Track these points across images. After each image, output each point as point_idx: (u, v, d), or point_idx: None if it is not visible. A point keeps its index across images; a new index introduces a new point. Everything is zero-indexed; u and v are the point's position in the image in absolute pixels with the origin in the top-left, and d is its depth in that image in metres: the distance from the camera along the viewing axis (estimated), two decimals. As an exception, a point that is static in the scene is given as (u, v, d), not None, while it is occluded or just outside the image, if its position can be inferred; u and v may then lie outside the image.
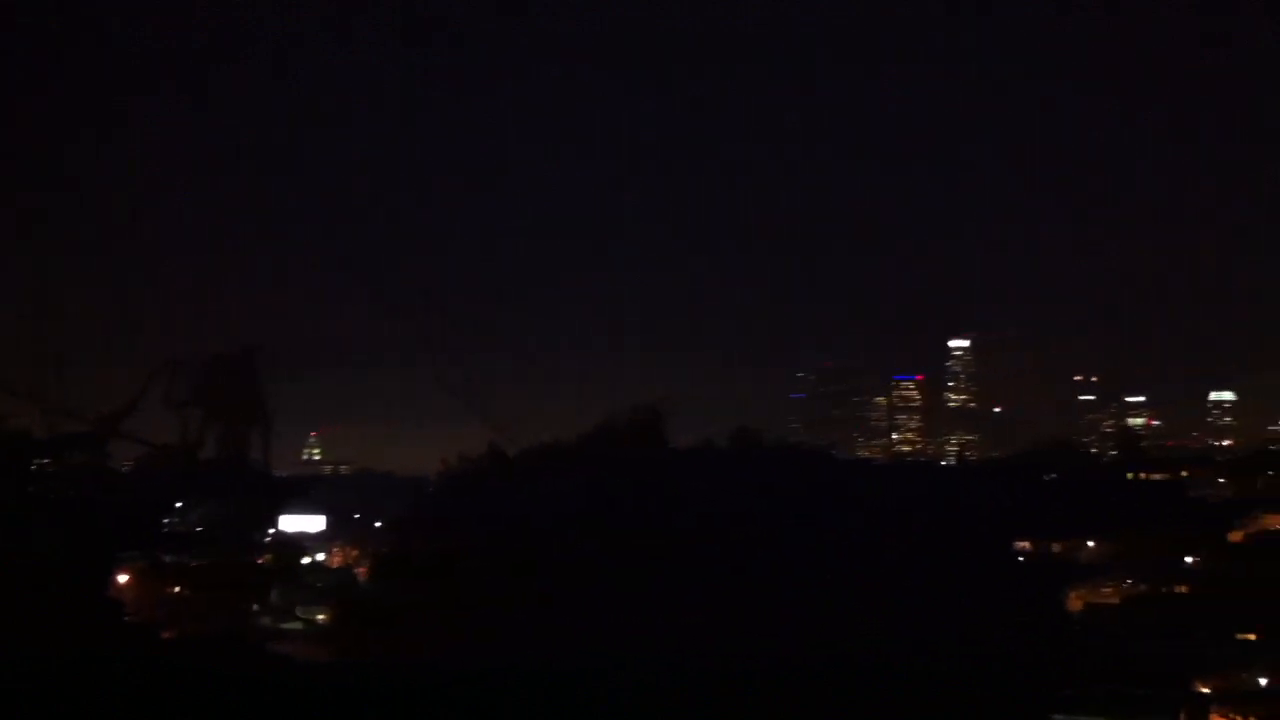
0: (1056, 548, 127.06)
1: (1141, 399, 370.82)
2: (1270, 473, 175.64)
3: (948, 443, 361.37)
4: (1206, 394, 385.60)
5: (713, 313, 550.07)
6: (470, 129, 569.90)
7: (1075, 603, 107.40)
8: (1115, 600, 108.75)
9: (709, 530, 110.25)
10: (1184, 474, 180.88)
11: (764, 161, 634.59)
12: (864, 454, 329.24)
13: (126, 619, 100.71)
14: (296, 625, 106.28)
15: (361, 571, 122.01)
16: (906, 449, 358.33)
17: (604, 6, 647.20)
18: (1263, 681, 77.98)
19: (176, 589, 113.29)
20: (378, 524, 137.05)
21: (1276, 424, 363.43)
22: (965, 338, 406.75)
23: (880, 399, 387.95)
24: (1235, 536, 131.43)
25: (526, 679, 75.19)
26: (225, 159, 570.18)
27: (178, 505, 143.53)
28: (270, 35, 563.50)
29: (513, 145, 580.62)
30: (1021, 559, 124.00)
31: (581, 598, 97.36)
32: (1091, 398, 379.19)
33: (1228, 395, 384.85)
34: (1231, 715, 71.08)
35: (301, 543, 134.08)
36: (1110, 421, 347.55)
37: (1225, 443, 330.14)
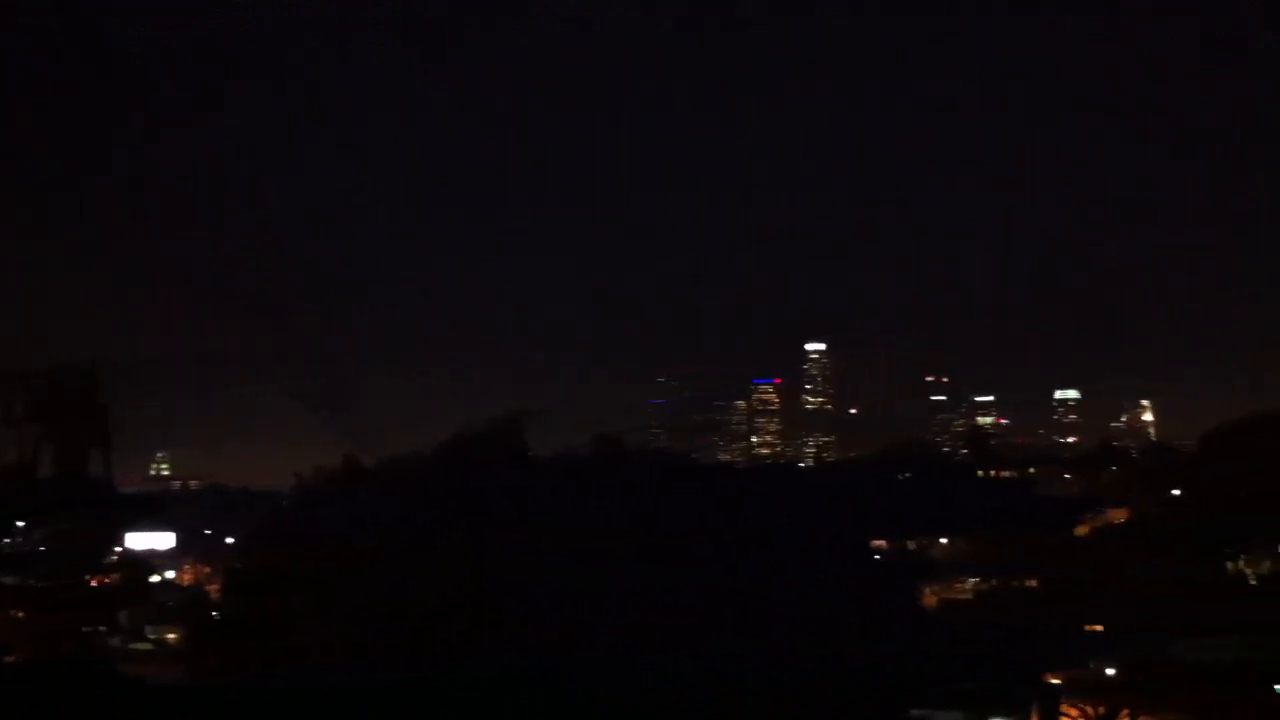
0: (911, 546, 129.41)
1: (990, 399, 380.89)
2: (1113, 468, 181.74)
3: (806, 445, 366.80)
4: (1052, 393, 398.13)
5: (574, 321, 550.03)
6: (316, 138, 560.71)
7: (930, 599, 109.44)
8: (969, 596, 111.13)
9: (570, 538, 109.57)
10: (1032, 471, 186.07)
11: (622, 170, 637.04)
12: (725, 458, 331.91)
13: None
14: (147, 646, 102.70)
15: (214, 589, 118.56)
16: (766, 452, 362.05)
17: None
18: (1110, 672, 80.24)
19: (18, 612, 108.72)
20: (230, 539, 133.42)
21: (1119, 421, 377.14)
22: (822, 341, 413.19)
23: (740, 403, 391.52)
24: (1082, 531, 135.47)
25: (386, 693, 73.79)
26: (64, 169, 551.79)
27: (19, 525, 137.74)
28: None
29: (364, 152, 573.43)
30: (878, 557, 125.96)
31: (440, 609, 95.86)
32: (943, 398, 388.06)
33: (1072, 394, 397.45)
34: (1082, 706, 72.81)
35: (150, 561, 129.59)
36: (961, 421, 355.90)
37: (1071, 440, 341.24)
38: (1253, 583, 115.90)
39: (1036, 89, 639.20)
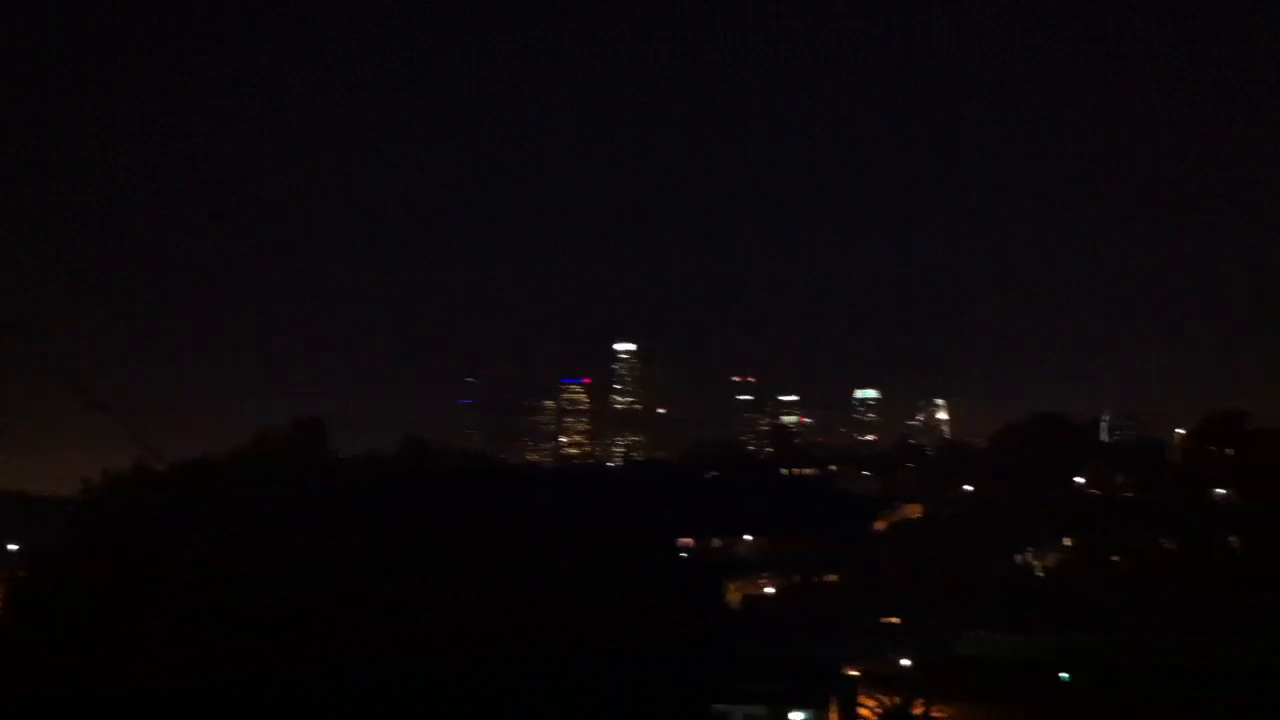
0: (717, 543, 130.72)
1: (795, 398, 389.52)
2: (909, 466, 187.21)
3: (614, 444, 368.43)
4: (852, 393, 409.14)
5: (382, 321, 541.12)
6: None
7: (734, 595, 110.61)
8: (771, 592, 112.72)
9: (374, 540, 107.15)
10: (833, 469, 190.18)
11: (423, 169, 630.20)
12: (533, 458, 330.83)
13: None
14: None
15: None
16: (574, 452, 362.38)
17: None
18: (905, 663, 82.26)
19: None
20: (12, 548, 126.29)
21: (915, 420, 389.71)
22: (631, 342, 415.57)
23: (549, 403, 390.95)
24: (880, 526, 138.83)
25: (181, 704, 70.93)
26: None
27: None
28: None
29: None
30: (684, 555, 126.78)
31: (239, 616, 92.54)
32: (749, 398, 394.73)
33: (871, 393, 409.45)
34: (878, 697, 74.36)
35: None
36: (766, 421, 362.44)
37: (870, 438, 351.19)
38: (1039, 574, 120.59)
39: (823, 90, 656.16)
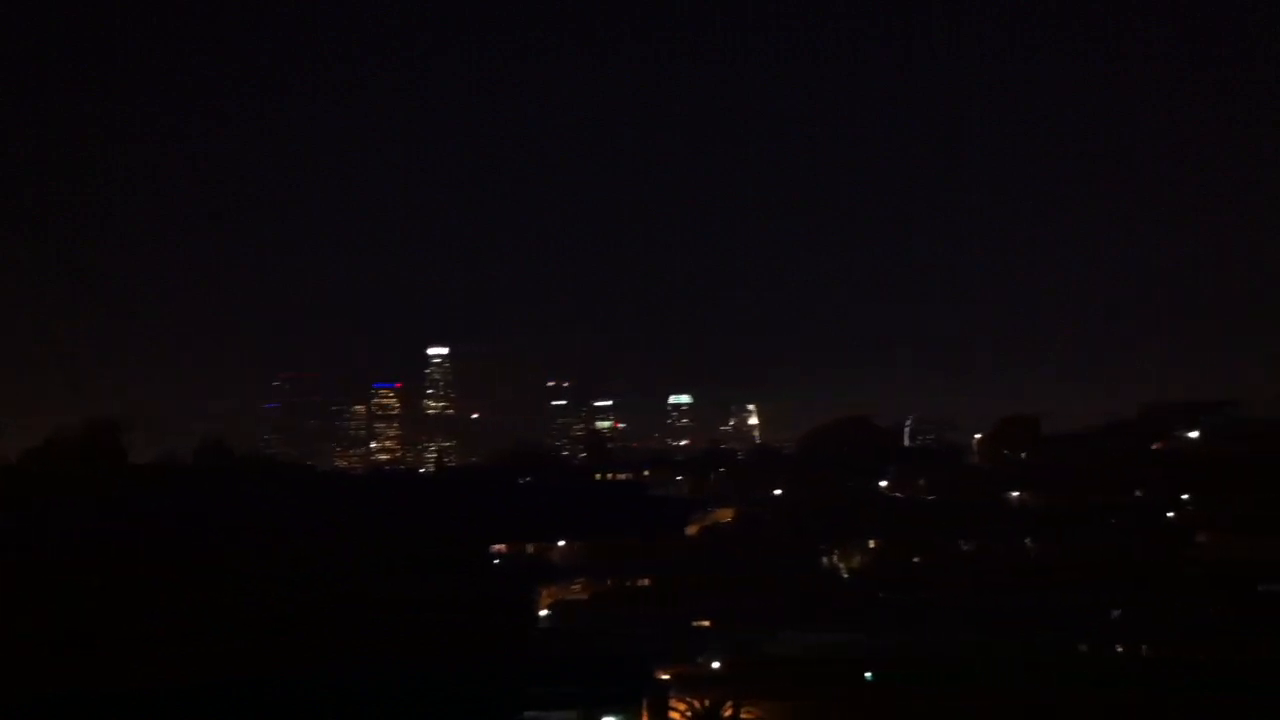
0: (530, 549, 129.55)
1: (609, 403, 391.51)
2: (721, 469, 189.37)
3: (427, 450, 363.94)
4: (666, 398, 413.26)
5: (186, 323, 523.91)
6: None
7: (547, 601, 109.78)
8: (584, 597, 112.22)
9: (172, 550, 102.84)
10: (646, 473, 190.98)
11: (227, 165, 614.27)
12: (341, 463, 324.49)
13: None
14: None
15: None
16: (385, 457, 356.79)
17: None
18: (716, 665, 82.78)
19: None
20: None
21: (727, 425, 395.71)
22: (444, 345, 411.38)
23: (359, 407, 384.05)
24: (692, 530, 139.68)
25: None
26: None
27: None
28: None
29: None
30: (497, 562, 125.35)
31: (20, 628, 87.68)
32: (563, 402, 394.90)
33: (685, 399, 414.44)
34: (689, 700, 74.66)
35: None
36: (580, 425, 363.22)
37: (683, 442, 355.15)
38: (845, 575, 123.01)
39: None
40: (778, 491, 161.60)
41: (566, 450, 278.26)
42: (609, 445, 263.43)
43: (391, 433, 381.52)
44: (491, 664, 79.87)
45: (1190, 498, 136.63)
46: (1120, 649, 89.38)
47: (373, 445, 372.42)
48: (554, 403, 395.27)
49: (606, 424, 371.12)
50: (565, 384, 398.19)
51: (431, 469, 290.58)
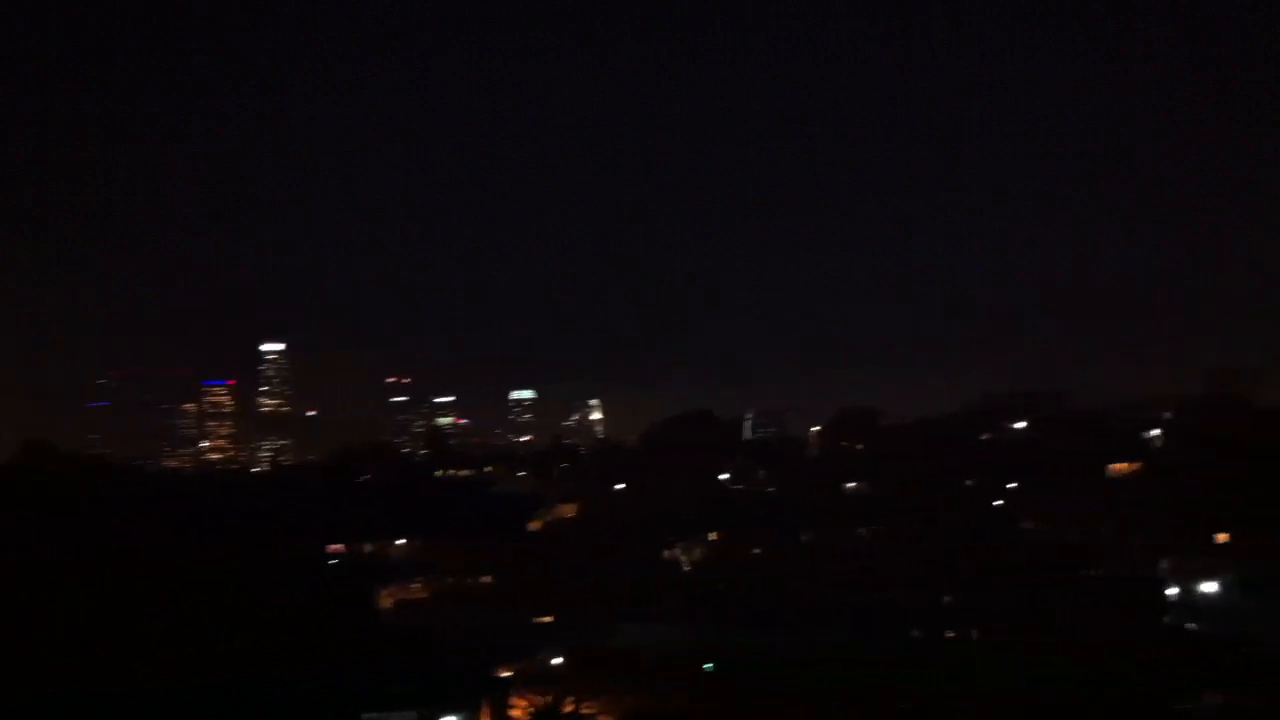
0: (369, 548, 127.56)
1: (451, 399, 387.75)
2: (564, 465, 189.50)
3: (261, 448, 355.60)
4: (508, 394, 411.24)
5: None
6: None
7: (386, 601, 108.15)
8: (425, 595, 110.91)
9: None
10: (488, 470, 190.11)
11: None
12: (171, 464, 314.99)
13: None
14: None
15: None
16: (217, 457, 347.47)
17: None
18: (556, 661, 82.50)
19: None
20: None
21: (570, 421, 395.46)
22: (279, 342, 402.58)
23: (189, 406, 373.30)
24: (535, 526, 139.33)
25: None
26: None
27: None
28: None
29: None
30: (334, 562, 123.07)
31: None
32: (404, 399, 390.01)
33: (528, 394, 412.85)
34: (530, 697, 74.13)
35: None
36: (421, 422, 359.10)
37: (526, 438, 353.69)
38: (686, 569, 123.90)
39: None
40: (620, 486, 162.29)
41: (407, 447, 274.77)
42: (450, 442, 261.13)
43: (224, 431, 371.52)
44: (328, 665, 78.26)
45: (1017, 486, 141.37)
46: (951, 635, 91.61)
47: (204, 444, 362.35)
48: (394, 399, 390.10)
49: (448, 420, 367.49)
50: (406, 380, 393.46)
51: (265, 468, 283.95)
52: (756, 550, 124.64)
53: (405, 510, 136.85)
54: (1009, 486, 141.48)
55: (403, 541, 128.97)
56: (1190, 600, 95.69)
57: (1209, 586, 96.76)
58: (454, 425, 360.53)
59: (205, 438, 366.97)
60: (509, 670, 79.11)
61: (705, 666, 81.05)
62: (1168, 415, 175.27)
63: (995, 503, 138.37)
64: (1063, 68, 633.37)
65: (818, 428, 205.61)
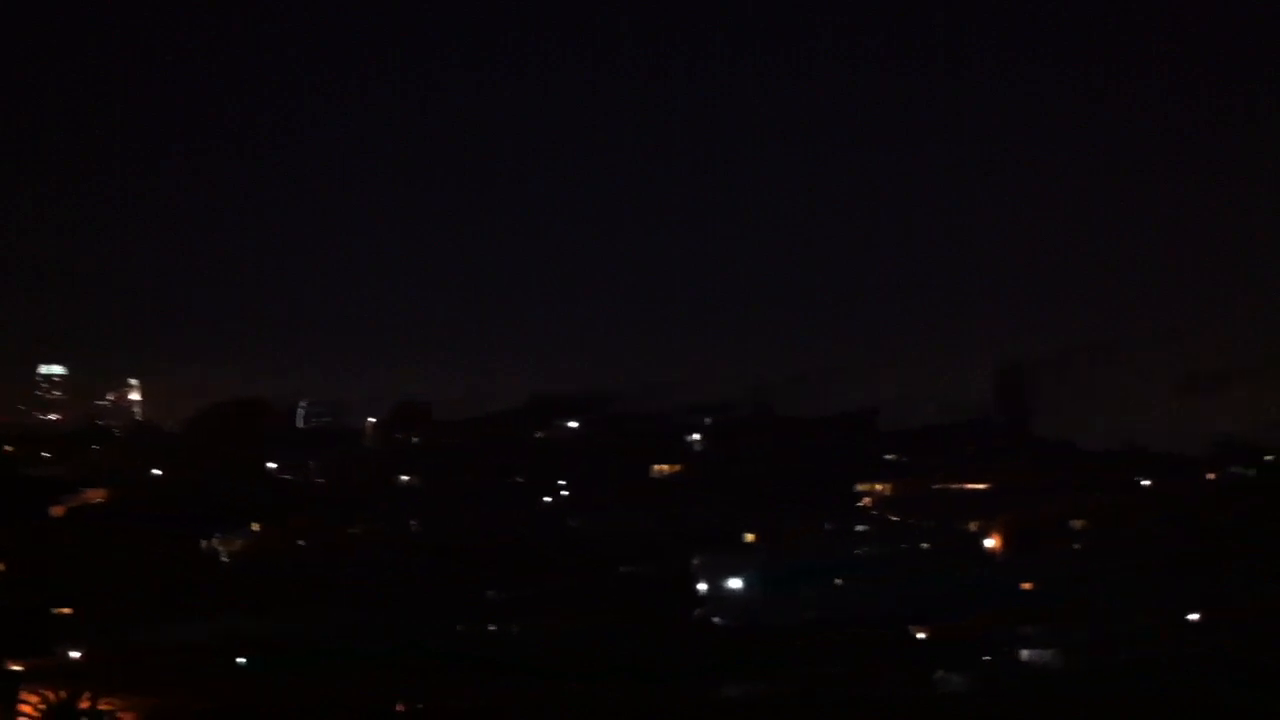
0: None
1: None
2: (96, 447, 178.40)
3: None
4: (36, 367, 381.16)
5: None
6: None
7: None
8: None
9: None
10: (10, 450, 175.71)
11: None
12: None
13: None
14: None
15: None
16: None
17: None
18: (75, 655, 77.67)
19: None
20: None
21: (105, 400, 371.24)
22: None
23: None
24: (59, 512, 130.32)
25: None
26: None
27: None
28: None
29: None
30: None
31: None
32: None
33: (58, 369, 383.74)
34: (42, 692, 69.39)
35: None
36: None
37: (54, 417, 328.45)
38: (224, 560, 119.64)
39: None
40: (157, 472, 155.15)
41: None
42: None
43: None
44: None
45: (566, 484, 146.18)
46: (494, 628, 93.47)
47: None
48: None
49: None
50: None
51: None
52: (301, 541, 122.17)
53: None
54: (559, 484, 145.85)
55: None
56: (719, 595, 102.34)
57: (735, 583, 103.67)
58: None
59: None
60: (20, 664, 73.71)
61: (239, 661, 78.78)
62: (708, 421, 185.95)
63: (544, 499, 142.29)
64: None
65: (374, 420, 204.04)
